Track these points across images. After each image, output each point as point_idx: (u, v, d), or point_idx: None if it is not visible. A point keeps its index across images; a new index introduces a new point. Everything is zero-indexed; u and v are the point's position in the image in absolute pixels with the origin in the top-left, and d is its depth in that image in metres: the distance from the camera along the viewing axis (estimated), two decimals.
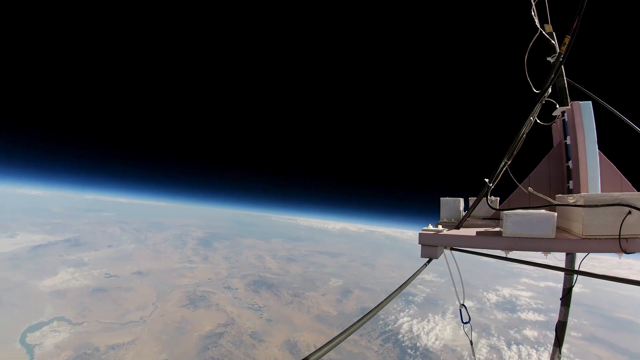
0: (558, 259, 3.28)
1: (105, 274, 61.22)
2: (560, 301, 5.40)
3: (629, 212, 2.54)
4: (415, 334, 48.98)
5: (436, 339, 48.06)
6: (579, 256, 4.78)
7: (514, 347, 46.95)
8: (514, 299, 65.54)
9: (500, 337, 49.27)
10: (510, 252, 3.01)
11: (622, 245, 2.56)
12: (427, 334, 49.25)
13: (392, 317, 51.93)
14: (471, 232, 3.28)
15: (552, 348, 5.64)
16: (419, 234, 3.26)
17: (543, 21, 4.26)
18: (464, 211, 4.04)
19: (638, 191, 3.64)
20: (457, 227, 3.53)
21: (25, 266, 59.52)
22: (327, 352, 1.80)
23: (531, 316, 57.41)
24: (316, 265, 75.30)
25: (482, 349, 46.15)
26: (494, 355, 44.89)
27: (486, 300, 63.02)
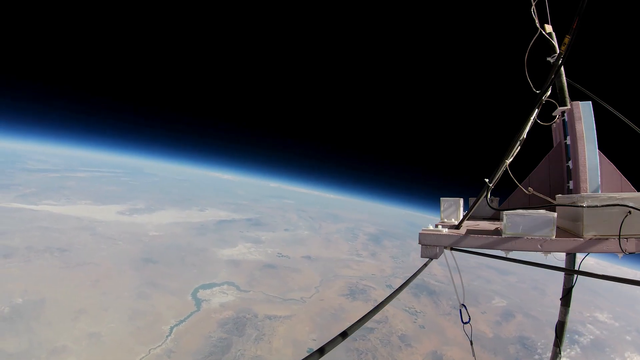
0: (558, 259, 3.28)
1: (278, 253, 66.30)
2: (560, 301, 5.42)
3: (629, 212, 2.54)
4: None
5: None
6: (579, 256, 4.78)
7: None
8: None
9: None
10: (510, 252, 3.01)
11: (622, 245, 2.56)
12: None
13: (550, 353, 49.29)
14: (471, 232, 3.28)
15: (552, 348, 5.66)
16: (419, 233, 3.26)
17: (543, 21, 4.26)
18: (464, 211, 4.04)
19: (638, 191, 3.64)
20: (457, 227, 3.53)
21: (209, 236, 68.45)
22: (324, 354, 1.80)
23: None
24: (482, 280, 71.23)
25: None
26: None
27: None
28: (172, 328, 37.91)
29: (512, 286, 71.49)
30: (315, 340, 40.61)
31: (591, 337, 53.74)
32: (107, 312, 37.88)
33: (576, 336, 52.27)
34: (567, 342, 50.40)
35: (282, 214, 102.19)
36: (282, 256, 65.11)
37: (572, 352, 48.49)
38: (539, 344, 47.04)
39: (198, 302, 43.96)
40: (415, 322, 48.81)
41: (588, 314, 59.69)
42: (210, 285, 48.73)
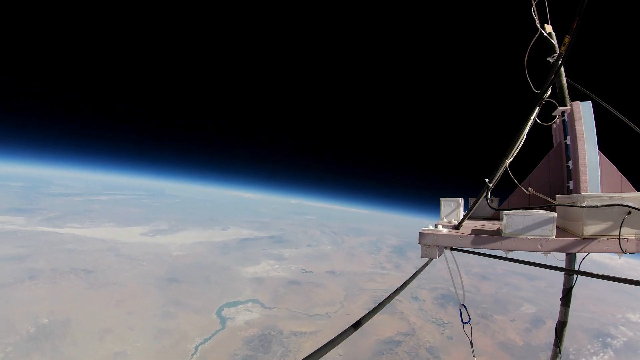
0: (558, 259, 3.28)
1: (302, 269, 66.82)
2: (560, 301, 5.42)
3: (629, 212, 2.54)
4: None
5: None
6: (579, 256, 4.78)
7: None
8: None
9: None
10: (510, 252, 3.01)
11: (622, 245, 2.56)
12: None
13: (583, 359, 46.76)
14: (471, 232, 3.28)
15: (552, 348, 5.66)
16: (419, 233, 3.26)
17: (543, 21, 4.26)
18: (464, 211, 4.04)
19: (638, 191, 3.64)
20: (457, 227, 3.52)
21: (232, 254, 69.48)
22: (324, 353, 1.81)
23: None
24: (510, 286, 70.18)
25: None
26: None
27: None
28: (197, 346, 38.14)
29: (541, 291, 69.37)
30: (341, 355, 40.44)
31: (624, 339, 51.62)
32: (132, 332, 38.26)
33: (608, 339, 50.22)
34: (600, 346, 48.83)
35: (305, 229, 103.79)
36: (306, 272, 65.53)
37: (605, 356, 46.72)
38: (571, 349, 45.79)
39: (223, 320, 44.41)
40: (442, 334, 48.06)
41: (620, 316, 58.05)
42: (234, 303, 49.21)
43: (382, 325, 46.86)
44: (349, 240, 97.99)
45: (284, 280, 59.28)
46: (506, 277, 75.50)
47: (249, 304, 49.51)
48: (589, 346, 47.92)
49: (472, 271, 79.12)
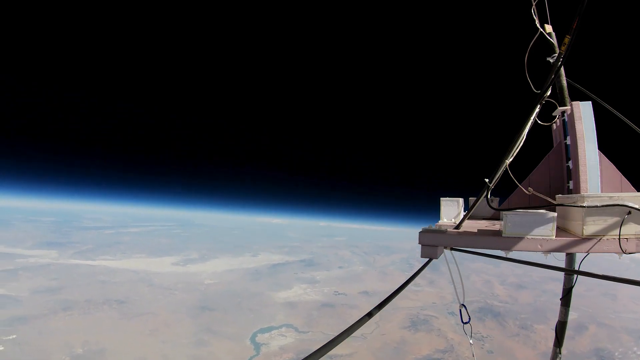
0: (558, 259, 3.28)
1: (334, 291, 66.92)
2: (560, 301, 5.42)
3: (629, 212, 2.54)
4: None
5: None
6: (579, 256, 4.78)
7: None
8: None
9: None
10: (510, 252, 3.01)
11: (622, 245, 2.56)
12: None
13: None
14: (471, 232, 3.28)
15: (552, 348, 5.66)
16: (419, 233, 3.26)
17: (543, 21, 4.26)
18: (464, 211, 4.04)
19: (638, 191, 3.64)
20: (457, 227, 3.52)
21: (264, 280, 69.90)
22: (326, 352, 1.82)
23: None
24: (549, 293, 65.91)
25: None
26: None
27: None
28: None
29: (580, 296, 64.03)
30: None
31: None
32: None
33: None
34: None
35: (335, 251, 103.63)
36: (338, 294, 65.57)
37: None
38: (616, 353, 44.20)
39: (257, 346, 44.42)
40: (482, 348, 46.71)
41: None
42: (268, 329, 49.16)
43: (419, 344, 46.59)
44: (380, 259, 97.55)
45: (317, 304, 59.30)
46: (543, 284, 72.34)
47: (283, 329, 49.58)
48: (635, 348, 46.36)
49: (507, 281, 76.89)
